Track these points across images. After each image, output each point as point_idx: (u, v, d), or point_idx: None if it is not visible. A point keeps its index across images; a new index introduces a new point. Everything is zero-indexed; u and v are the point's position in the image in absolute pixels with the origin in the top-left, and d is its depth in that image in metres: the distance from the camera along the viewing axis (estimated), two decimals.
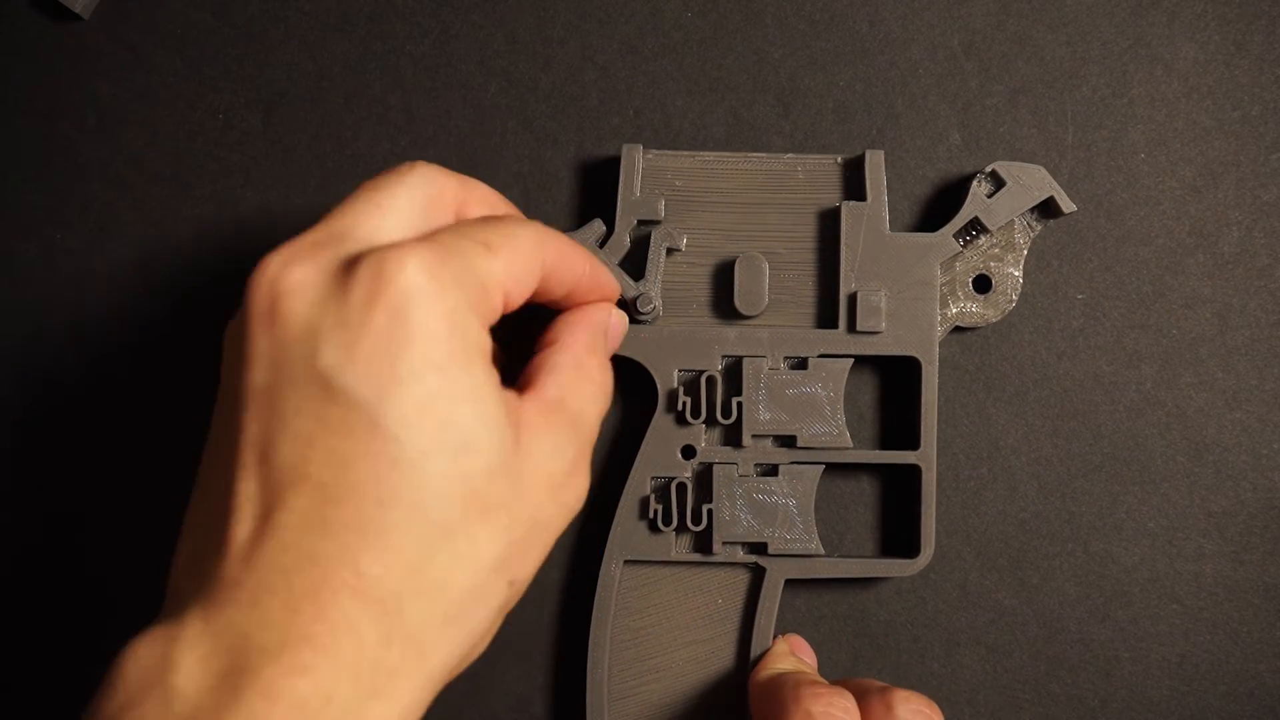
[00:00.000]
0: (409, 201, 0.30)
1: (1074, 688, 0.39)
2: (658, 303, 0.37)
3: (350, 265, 0.28)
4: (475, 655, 0.30)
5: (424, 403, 0.27)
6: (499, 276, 0.29)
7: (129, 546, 0.39)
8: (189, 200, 0.39)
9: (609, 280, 0.34)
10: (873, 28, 0.39)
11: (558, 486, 0.30)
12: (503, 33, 0.39)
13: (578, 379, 0.31)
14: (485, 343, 0.29)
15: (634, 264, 0.37)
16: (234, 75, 0.39)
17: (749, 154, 0.38)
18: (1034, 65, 0.39)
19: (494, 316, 0.29)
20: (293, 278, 0.28)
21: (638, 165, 0.37)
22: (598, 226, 0.37)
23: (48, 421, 0.39)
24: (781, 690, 0.34)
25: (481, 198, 0.32)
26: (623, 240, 0.37)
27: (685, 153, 0.38)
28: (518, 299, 0.30)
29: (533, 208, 0.39)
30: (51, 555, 0.39)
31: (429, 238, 0.29)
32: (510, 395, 0.29)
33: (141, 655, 0.26)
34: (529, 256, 0.30)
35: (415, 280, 0.27)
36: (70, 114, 0.39)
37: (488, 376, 0.28)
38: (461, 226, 0.30)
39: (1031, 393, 0.39)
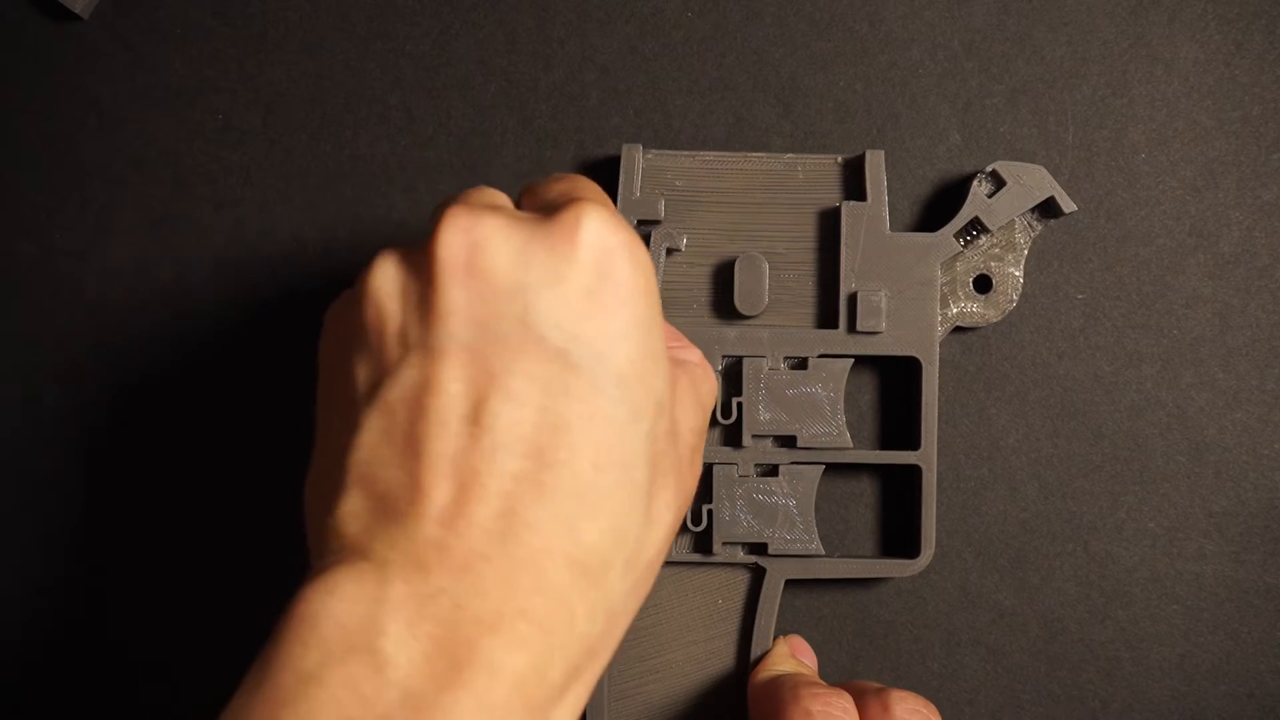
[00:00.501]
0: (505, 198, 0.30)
1: (1074, 688, 0.39)
2: None
3: (547, 220, 0.27)
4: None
5: (637, 362, 0.27)
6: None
7: (133, 547, 0.39)
8: (189, 200, 0.39)
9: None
10: (873, 28, 0.39)
11: (694, 451, 0.30)
12: (503, 33, 0.39)
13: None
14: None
15: None
16: (234, 75, 0.39)
17: (749, 154, 0.38)
18: (1034, 65, 0.39)
19: None
20: (488, 227, 0.27)
21: (638, 165, 0.37)
22: None
23: (47, 421, 0.39)
24: (780, 691, 0.34)
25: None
26: None
27: (685, 152, 0.38)
28: None
29: None
30: (51, 555, 0.39)
31: (592, 198, 0.28)
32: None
33: (341, 612, 0.24)
34: None
35: (620, 235, 0.27)
36: (70, 114, 0.39)
37: (664, 338, 0.28)
38: (586, 184, 0.29)
39: (1032, 393, 0.39)
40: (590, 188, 0.31)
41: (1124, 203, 0.39)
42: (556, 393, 0.26)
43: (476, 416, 0.26)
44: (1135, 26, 0.39)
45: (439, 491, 0.25)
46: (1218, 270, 0.39)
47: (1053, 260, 0.39)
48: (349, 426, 0.27)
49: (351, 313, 0.28)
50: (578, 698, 0.26)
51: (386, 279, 0.28)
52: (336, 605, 0.24)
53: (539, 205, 0.29)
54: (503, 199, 0.29)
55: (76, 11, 0.39)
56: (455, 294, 0.26)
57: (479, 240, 0.26)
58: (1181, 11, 0.39)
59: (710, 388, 0.32)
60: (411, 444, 0.26)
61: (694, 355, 0.32)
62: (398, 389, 0.26)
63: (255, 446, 0.39)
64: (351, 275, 0.39)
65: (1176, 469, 0.39)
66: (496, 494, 0.25)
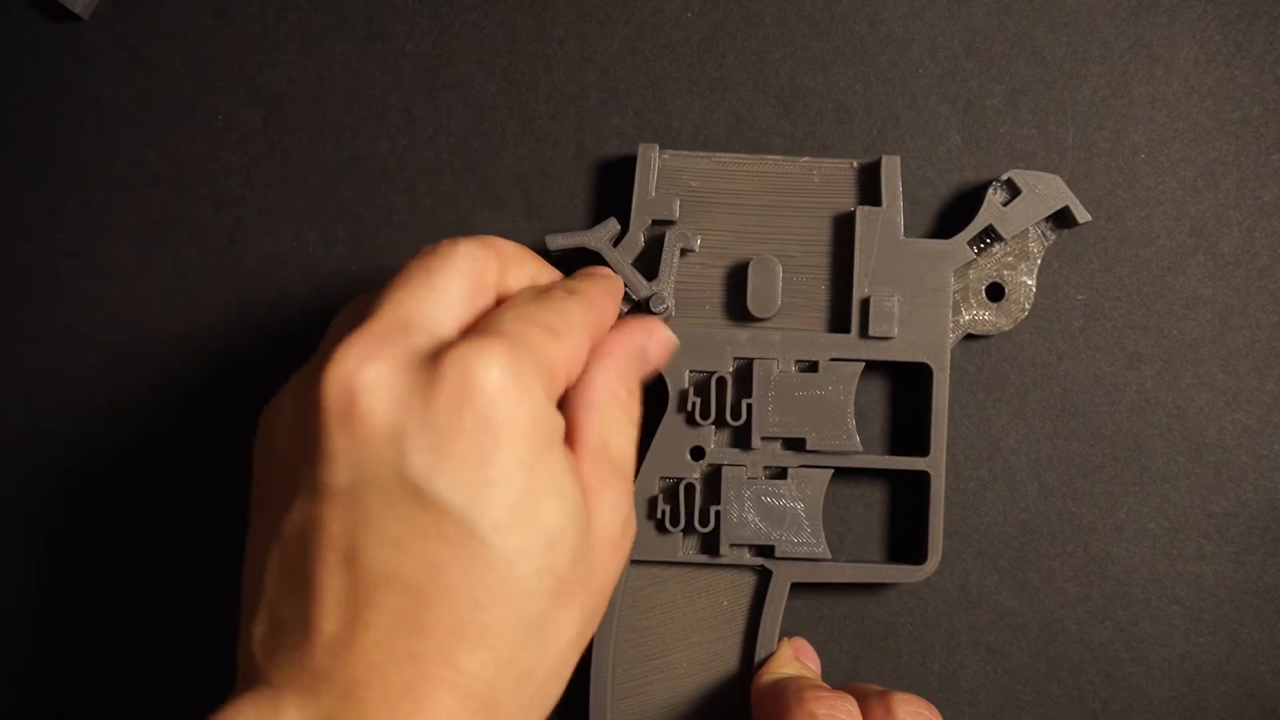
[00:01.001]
0: (460, 283, 0.30)
1: (1074, 689, 0.39)
2: (670, 303, 0.37)
3: (430, 363, 0.28)
4: None
5: (515, 505, 0.27)
6: (563, 360, 0.29)
7: (132, 547, 0.39)
8: (189, 200, 0.39)
9: (645, 319, 0.34)
10: (873, 28, 0.39)
11: (618, 542, 0.31)
12: (503, 33, 0.39)
13: (614, 414, 0.31)
14: (560, 427, 0.29)
15: (648, 264, 0.37)
16: (234, 75, 0.39)
17: (764, 156, 0.38)
18: (1034, 65, 0.39)
19: (559, 396, 0.30)
20: (369, 375, 0.27)
21: (654, 165, 0.37)
22: (612, 225, 0.37)
23: (47, 421, 0.39)
24: (785, 694, 0.34)
25: (517, 267, 0.32)
26: (637, 240, 0.37)
27: (701, 154, 0.38)
28: (575, 375, 0.30)
29: (534, 208, 0.39)
30: (49, 554, 0.39)
31: (499, 332, 0.28)
32: (572, 462, 0.29)
33: None
34: (583, 332, 0.30)
35: (501, 380, 0.27)
36: (70, 114, 0.39)
37: (565, 464, 0.29)
38: (522, 311, 0.30)
39: (1032, 394, 0.39)
40: (584, 296, 0.31)
41: (1124, 203, 0.39)
42: (430, 537, 0.27)
43: (354, 557, 0.27)
44: (1135, 26, 0.39)
45: (328, 623, 0.27)
46: (1218, 270, 0.39)
47: (1053, 261, 0.39)
48: (262, 552, 0.29)
49: (259, 441, 0.30)
50: None
51: (281, 416, 0.29)
52: None
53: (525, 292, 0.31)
54: (418, 311, 0.29)
55: (76, 11, 0.39)
56: (338, 440, 0.27)
57: (359, 387, 0.27)
58: (1181, 11, 0.39)
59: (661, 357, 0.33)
60: (303, 578, 0.27)
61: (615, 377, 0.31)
62: (290, 525, 0.28)
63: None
64: (351, 275, 0.39)
65: (1176, 469, 0.39)
66: (377, 627, 0.27)
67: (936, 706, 0.34)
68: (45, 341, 0.39)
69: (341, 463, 0.27)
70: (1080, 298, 0.39)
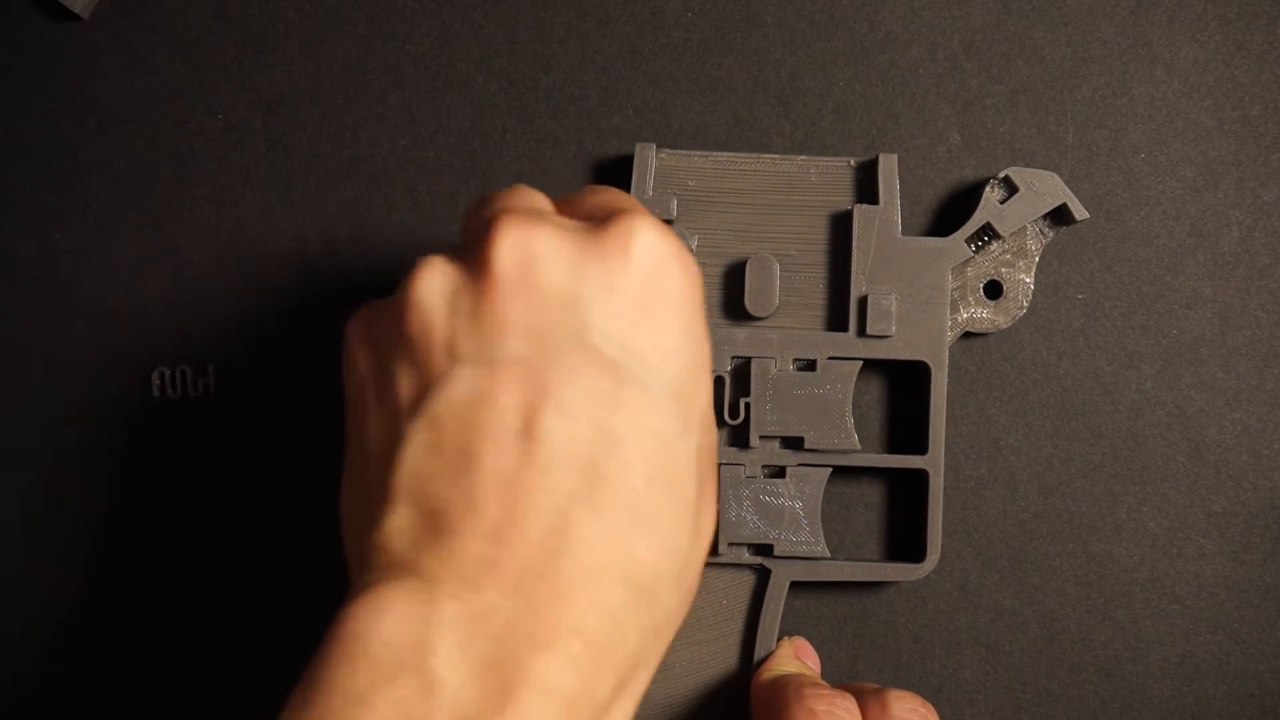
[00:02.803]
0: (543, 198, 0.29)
1: (1074, 688, 0.39)
2: None
3: (596, 232, 0.27)
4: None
5: (686, 376, 0.27)
6: None
7: (130, 547, 0.39)
8: (189, 200, 0.39)
9: None
10: (873, 28, 0.39)
11: (715, 450, 0.30)
12: (503, 33, 0.39)
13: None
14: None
15: None
16: (234, 75, 0.39)
17: (762, 155, 0.38)
18: (1034, 65, 0.39)
19: None
20: (542, 242, 0.26)
21: (651, 164, 0.37)
22: None
23: (48, 421, 0.39)
24: (784, 692, 0.34)
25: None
26: None
27: (698, 152, 0.38)
28: None
29: None
30: (48, 556, 0.39)
31: (636, 208, 0.28)
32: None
33: (390, 632, 0.24)
34: None
35: (670, 246, 0.27)
36: (70, 114, 0.39)
37: (710, 344, 0.28)
38: (623, 197, 0.29)
39: (1032, 393, 0.39)
40: (630, 200, 0.30)
41: (1124, 203, 0.39)
42: (610, 407, 0.25)
43: (530, 431, 0.25)
44: (1135, 26, 0.39)
45: (491, 507, 0.25)
46: (1218, 270, 0.39)
47: (1053, 260, 0.39)
48: (391, 440, 0.26)
49: (388, 321, 0.28)
50: (624, 712, 0.26)
51: (434, 288, 0.27)
52: (385, 624, 0.24)
53: (579, 216, 0.29)
54: (545, 203, 0.29)
55: (76, 11, 0.39)
56: (512, 307, 0.26)
57: (535, 253, 0.26)
58: (1181, 11, 0.39)
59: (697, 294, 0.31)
60: (463, 458, 0.25)
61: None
62: (446, 402, 0.26)
63: (255, 446, 0.39)
64: (351, 275, 0.39)
65: (1176, 469, 0.39)
66: (550, 509, 0.25)
67: (936, 706, 0.34)
68: (45, 341, 0.39)
69: (518, 331, 0.26)
70: (1080, 297, 0.39)
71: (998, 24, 0.39)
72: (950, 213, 0.39)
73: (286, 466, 0.39)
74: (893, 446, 0.39)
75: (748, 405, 0.37)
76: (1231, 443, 0.39)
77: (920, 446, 0.38)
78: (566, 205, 0.30)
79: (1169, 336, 0.39)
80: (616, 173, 0.38)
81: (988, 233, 0.37)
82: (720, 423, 0.37)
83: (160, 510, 0.39)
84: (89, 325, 0.39)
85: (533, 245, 0.26)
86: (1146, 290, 0.39)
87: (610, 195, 0.30)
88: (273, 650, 0.39)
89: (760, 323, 0.38)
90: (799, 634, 0.39)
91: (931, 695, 0.38)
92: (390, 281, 0.39)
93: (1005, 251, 0.38)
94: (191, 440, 0.39)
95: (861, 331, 0.37)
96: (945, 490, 0.39)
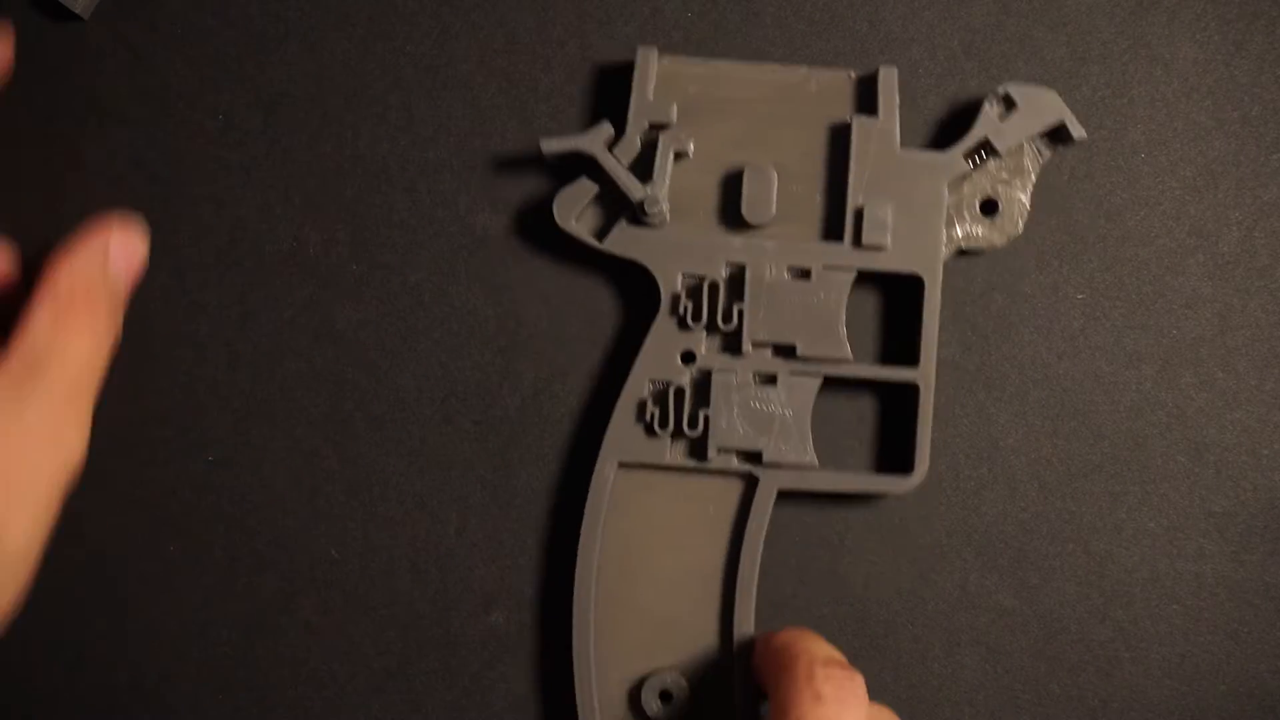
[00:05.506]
0: None
1: (1074, 688, 0.39)
2: (664, 206, 0.37)
3: None
4: None
5: None
6: None
7: (129, 548, 0.39)
8: (189, 200, 0.39)
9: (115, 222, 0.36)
10: (873, 28, 0.39)
11: (51, 444, 0.33)
12: (503, 33, 0.39)
13: (55, 332, 0.33)
14: None
15: (644, 167, 0.37)
16: (234, 75, 0.39)
17: (762, 64, 0.38)
18: (1034, 65, 0.39)
19: None
20: None
21: (652, 69, 0.37)
22: (606, 129, 0.37)
23: None
24: (794, 667, 0.33)
25: None
26: (634, 143, 0.37)
27: (699, 60, 0.38)
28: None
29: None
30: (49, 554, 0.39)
31: None
32: None
33: None
34: None
35: None
36: (70, 114, 0.39)
37: None
38: None
39: (1032, 393, 0.39)
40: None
41: (1124, 203, 0.39)
42: None
43: None
44: (1135, 26, 0.39)
45: None
46: (1218, 270, 0.39)
47: (1053, 260, 0.39)
48: None
49: None
50: None
51: None
52: None
53: None
54: None
55: (76, 11, 0.39)
56: None
57: None
58: (1181, 11, 0.39)
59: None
60: None
61: None
62: None
63: (255, 446, 0.39)
64: (351, 275, 0.39)
65: (1176, 469, 0.39)
66: None
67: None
68: None
69: None
70: (1080, 297, 0.39)
71: (998, 24, 0.39)
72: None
73: (284, 464, 0.39)
74: (885, 361, 0.39)
75: (740, 311, 0.37)
76: (1231, 443, 0.39)
77: (912, 360, 0.38)
78: None
79: (1169, 336, 0.39)
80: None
81: (985, 149, 0.37)
82: (713, 328, 0.37)
83: (161, 510, 0.39)
84: None
85: None
86: (1146, 290, 0.39)
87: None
88: None
89: (756, 231, 0.37)
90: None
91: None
92: (390, 281, 0.39)
93: (1002, 169, 0.38)
94: (192, 439, 0.39)
95: (857, 242, 0.37)
96: (946, 490, 0.39)
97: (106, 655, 0.39)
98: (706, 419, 0.37)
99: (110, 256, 0.35)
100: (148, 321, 0.39)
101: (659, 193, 0.37)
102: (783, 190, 0.37)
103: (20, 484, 0.32)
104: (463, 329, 0.39)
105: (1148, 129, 0.39)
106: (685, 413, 0.37)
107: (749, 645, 0.37)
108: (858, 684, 0.32)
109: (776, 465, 0.37)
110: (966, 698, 0.39)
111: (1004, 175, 0.38)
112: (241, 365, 0.39)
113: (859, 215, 0.37)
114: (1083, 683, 0.39)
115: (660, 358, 0.37)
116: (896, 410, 0.39)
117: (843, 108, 0.38)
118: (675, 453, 0.37)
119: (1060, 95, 0.38)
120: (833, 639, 0.39)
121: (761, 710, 0.37)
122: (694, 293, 0.37)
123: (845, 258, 0.37)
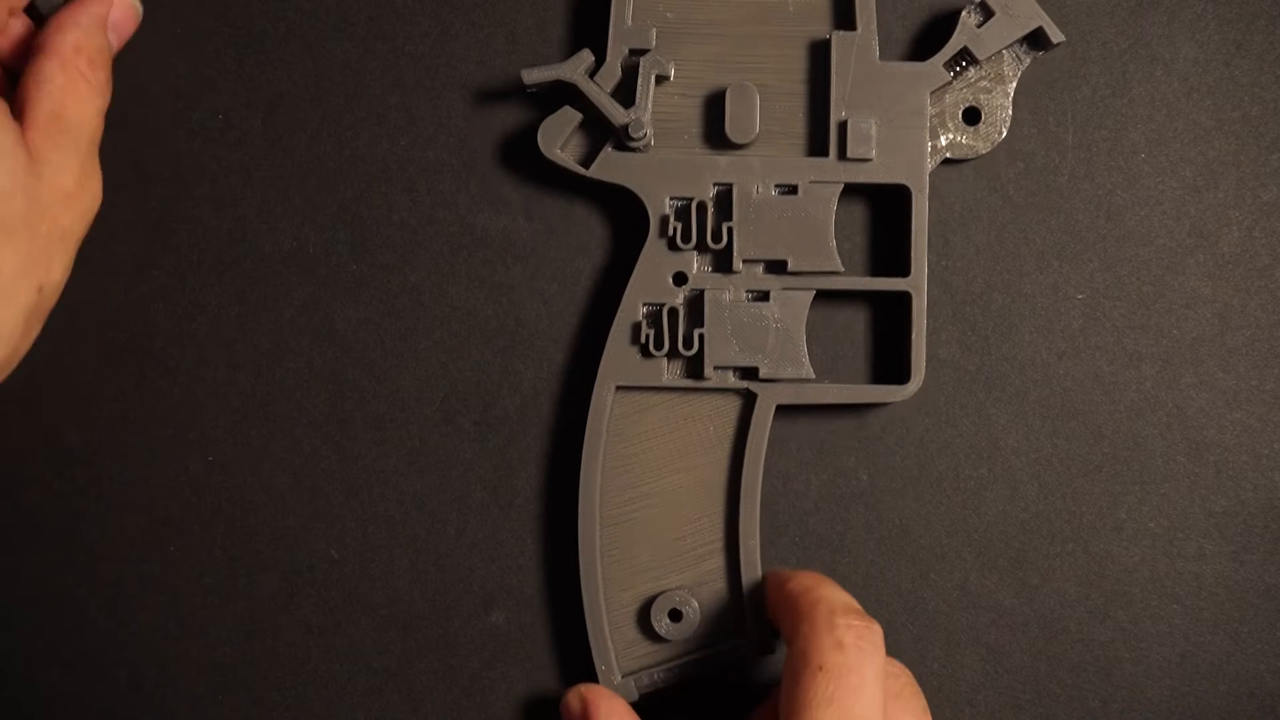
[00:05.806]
0: None
1: (1074, 688, 0.39)
2: (649, 130, 0.37)
3: None
4: (13, 362, 0.35)
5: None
6: None
7: (128, 548, 0.39)
8: (189, 200, 0.39)
9: None
10: None
11: (70, 197, 0.35)
12: (503, 33, 0.39)
13: (68, 85, 0.35)
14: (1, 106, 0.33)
15: (626, 94, 0.38)
16: (234, 75, 0.39)
17: None
18: (1034, 65, 0.39)
19: None
20: None
21: None
22: (586, 56, 0.37)
23: (47, 422, 0.39)
24: (813, 613, 0.33)
25: None
26: (614, 69, 0.37)
27: None
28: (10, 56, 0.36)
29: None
30: (45, 555, 0.39)
31: None
32: (15, 125, 0.34)
33: None
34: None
35: None
36: None
37: (10, 135, 0.33)
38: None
39: (1032, 393, 0.39)
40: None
41: (1123, 203, 0.39)
42: None
43: None
44: (1135, 26, 0.39)
45: None
46: (1218, 270, 0.39)
47: (1053, 260, 0.39)
48: None
49: None
50: None
51: None
52: None
53: None
54: None
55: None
56: None
57: None
58: (1181, 11, 0.39)
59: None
60: None
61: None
62: None
63: (255, 446, 0.39)
64: (351, 275, 0.39)
65: (1176, 469, 0.39)
66: None
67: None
68: (46, 342, 0.39)
69: None
70: (1080, 297, 0.39)
71: None
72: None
73: (284, 464, 0.39)
74: (876, 272, 0.39)
75: (730, 229, 0.37)
76: (1231, 443, 0.39)
77: (903, 270, 0.38)
78: None
79: (1169, 337, 0.39)
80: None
81: (965, 57, 0.38)
82: (704, 248, 0.38)
83: (161, 510, 0.39)
84: (90, 325, 0.39)
85: None
86: (1146, 290, 0.39)
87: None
88: None
89: (741, 150, 0.38)
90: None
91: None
92: (390, 281, 0.39)
93: (983, 77, 0.38)
94: (190, 440, 0.39)
95: (842, 155, 0.37)
96: (946, 490, 0.39)
97: (106, 655, 0.39)
98: (701, 338, 0.37)
99: (112, 20, 0.37)
100: (148, 321, 0.39)
101: (642, 117, 0.37)
102: (765, 108, 0.38)
103: (57, 232, 0.34)
104: (463, 329, 0.39)
105: (1148, 129, 0.39)
106: (680, 333, 0.37)
107: (759, 579, 0.37)
108: (876, 633, 0.32)
109: (773, 380, 0.37)
110: (966, 698, 0.39)
111: (985, 83, 0.38)
112: (241, 365, 0.39)
113: (843, 129, 0.37)
114: (1083, 683, 0.39)
115: (652, 280, 0.38)
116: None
117: (821, 24, 0.38)
118: (672, 373, 0.38)
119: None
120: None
121: (774, 645, 0.37)
122: (683, 214, 0.38)
123: (831, 172, 0.37)
